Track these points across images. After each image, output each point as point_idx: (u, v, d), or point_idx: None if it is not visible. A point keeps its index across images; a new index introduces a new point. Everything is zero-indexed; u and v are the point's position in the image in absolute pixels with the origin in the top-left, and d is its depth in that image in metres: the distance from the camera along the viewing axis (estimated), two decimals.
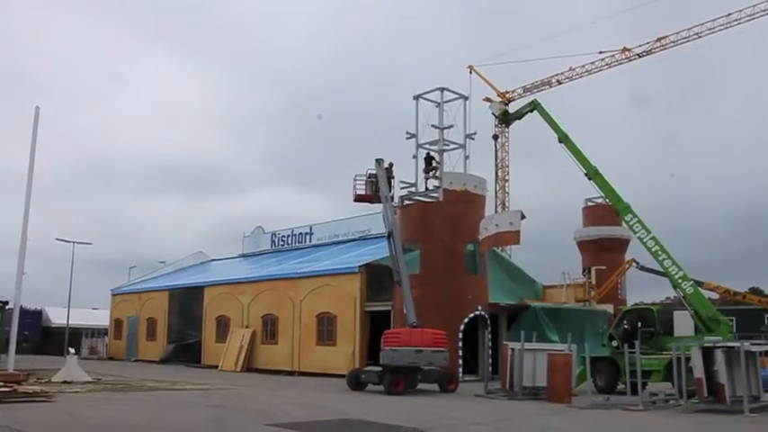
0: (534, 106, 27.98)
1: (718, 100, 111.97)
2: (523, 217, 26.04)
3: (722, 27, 49.71)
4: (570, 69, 56.42)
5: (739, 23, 48.99)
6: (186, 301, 42.72)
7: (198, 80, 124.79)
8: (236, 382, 26.56)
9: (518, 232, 26.62)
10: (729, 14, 49.33)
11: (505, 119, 29.80)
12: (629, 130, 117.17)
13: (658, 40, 52.46)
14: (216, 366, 36.77)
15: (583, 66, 55.90)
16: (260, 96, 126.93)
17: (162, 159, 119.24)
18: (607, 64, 55.01)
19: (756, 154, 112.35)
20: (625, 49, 53.92)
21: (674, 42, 52.03)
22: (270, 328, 36.01)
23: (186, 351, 41.37)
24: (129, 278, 54.45)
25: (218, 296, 40.02)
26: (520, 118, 29.58)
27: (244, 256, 48.07)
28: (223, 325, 39.04)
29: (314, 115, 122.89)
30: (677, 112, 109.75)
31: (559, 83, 57.48)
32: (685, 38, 51.23)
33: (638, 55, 53.73)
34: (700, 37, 50.66)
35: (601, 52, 54.84)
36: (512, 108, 34.91)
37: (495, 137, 29.05)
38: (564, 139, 26.16)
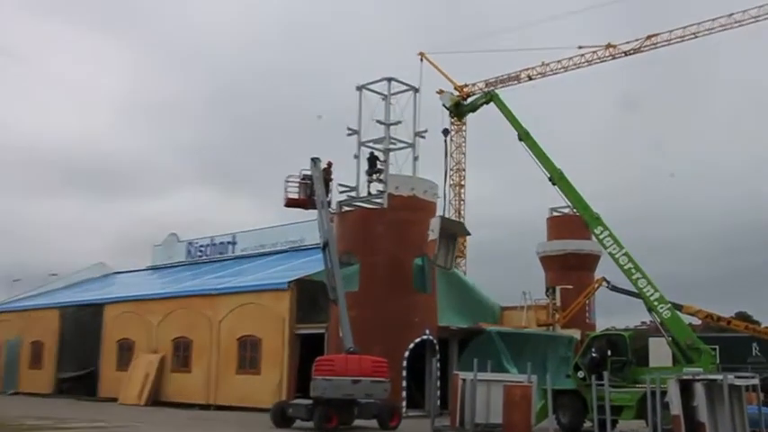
0: (491, 97, 28.05)
1: (709, 109, 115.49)
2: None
3: (722, 28, 50.67)
4: (543, 64, 57.14)
5: (741, 25, 49.98)
6: (82, 321, 41.58)
7: (100, 60, 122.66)
8: (138, 418, 25.95)
9: (434, 242, 26.97)
10: (731, 14, 50.33)
11: (458, 111, 29.79)
12: (608, 134, 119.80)
13: (649, 37, 53.39)
14: (115, 399, 35.99)
15: (558, 61, 56.62)
16: (175, 81, 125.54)
17: (55, 153, 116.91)
18: (587, 61, 55.80)
19: (746, 165, 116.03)
20: (610, 46, 54.78)
21: (667, 41, 52.98)
22: (182, 354, 35.44)
23: (80, 381, 40.22)
24: (11, 293, 52.86)
25: (120, 315, 39.23)
26: (474, 110, 29.63)
27: (153, 268, 47.39)
28: (126, 350, 38.26)
29: (238, 105, 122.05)
30: (664, 118, 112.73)
31: (530, 78, 58.17)
32: (680, 37, 52.18)
33: (624, 53, 54.62)
34: (696, 37, 51.71)
35: (580, 47, 55.63)
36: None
37: (446, 132, 28.98)
38: (524, 137, 26.26)
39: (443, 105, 28.91)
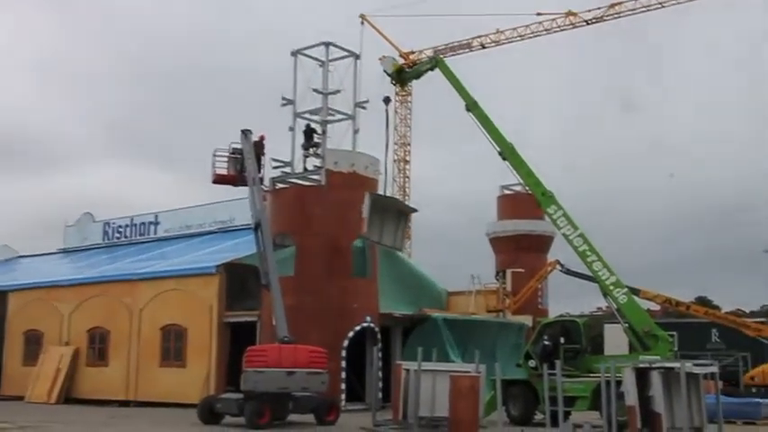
0: (436, 63, 28.26)
1: (672, 83, 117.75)
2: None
3: None
4: (498, 32, 57.37)
5: None
6: None
7: (6, 23, 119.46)
8: (48, 417, 25.65)
9: (363, 220, 27.29)
10: None
11: (401, 78, 29.89)
12: (565, 108, 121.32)
13: (612, 6, 53.94)
14: (22, 397, 35.46)
15: (515, 29, 56.88)
16: (89, 45, 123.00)
17: None
18: (546, 29, 56.19)
19: (711, 144, 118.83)
20: (570, 14, 55.26)
21: (631, 10, 53.56)
22: (98, 346, 35.14)
23: None
24: None
25: (27, 304, 38.74)
26: (418, 77, 29.89)
27: (65, 251, 46.74)
28: (34, 342, 37.81)
29: (163, 73, 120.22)
30: (625, 92, 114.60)
31: (483, 47, 58.39)
32: (645, 6, 52.86)
33: (585, 21, 55.16)
34: (663, 7, 52.47)
35: (539, 14, 56.05)
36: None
37: (387, 100, 29.09)
38: (472, 107, 26.53)
39: (385, 71, 29.01)
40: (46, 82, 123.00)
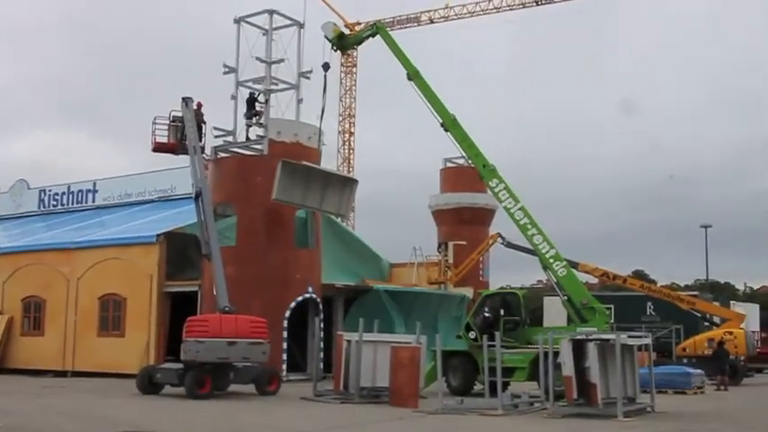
0: (377, 30, 28.32)
1: (619, 58, 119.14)
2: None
3: None
4: (447, 7, 57.47)
5: None
6: None
7: None
8: None
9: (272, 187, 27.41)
10: None
11: (342, 44, 29.76)
12: (510, 86, 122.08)
13: None
14: None
15: (464, 5, 57.08)
16: (26, 4, 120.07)
17: None
18: (496, 7, 56.44)
19: (648, 118, 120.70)
20: None
21: None
22: (33, 315, 34.73)
23: None
24: None
25: None
26: (359, 43, 30.08)
27: None
28: None
29: (99, 35, 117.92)
30: (570, 70, 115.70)
31: (432, 21, 58.46)
32: None
33: (535, 2, 55.44)
34: None
35: None
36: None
37: (327, 66, 28.96)
38: (414, 75, 26.68)
39: (325, 37, 28.90)
40: None
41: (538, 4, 55.20)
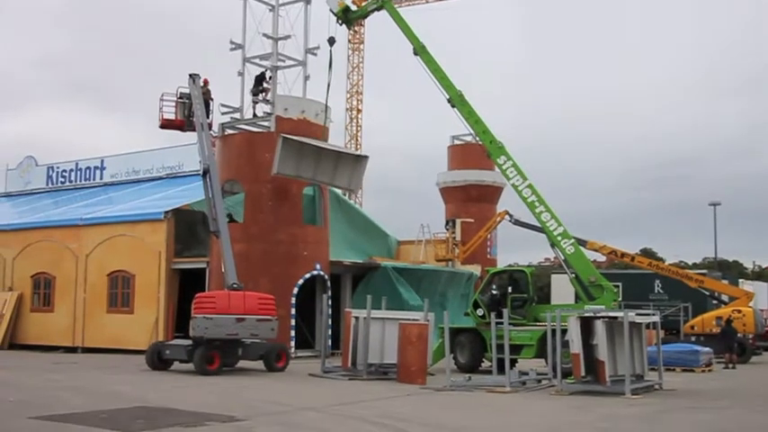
0: (383, 3, 28.17)
1: (636, 39, 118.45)
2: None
3: None
4: None
5: None
6: None
7: None
8: None
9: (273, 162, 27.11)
10: None
11: (347, 18, 29.63)
12: (515, 63, 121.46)
13: None
14: None
15: None
16: None
17: None
18: None
19: (663, 99, 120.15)
20: None
21: None
22: (43, 292, 34.91)
23: None
24: None
25: None
26: (364, 17, 30.16)
27: (8, 195, 45.99)
28: None
29: (107, 12, 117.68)
30: (581, 48, 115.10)
31: None
32: None
33: None
34: None
35: None
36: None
37: (332, 41, 28.84)
38: (420, 50, 26.57)
39: (330, 11, 28.82)
40: None
41: None
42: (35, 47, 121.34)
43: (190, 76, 27.19)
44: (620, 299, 28.61)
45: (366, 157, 31.86)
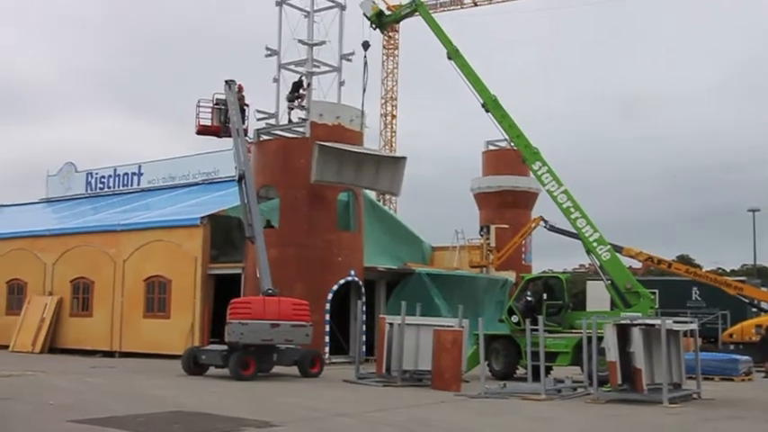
0: (416, 6, 28.12)
1: (671, 46, 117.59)
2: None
3: None
4: None
5: None
6: None
7: None
8: (33, 366, 25.70)
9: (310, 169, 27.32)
10: None
11: (380, 22, 29.60)
12: (556, 73, 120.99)
13: None
14: (6, 347, 35.53)
15: None
16: None
17: None
18: None
19: (701, 104, 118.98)
20: None
21: None
22: (82, 296, 35.18)
23: None
24: None
25: (9, 253, 38.58)
26: (397, 21, 30.13)
27: (48, 201, 46.49)
28: (17, 291, 37.82)
29: (145, 20, 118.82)
30: (616, 54, 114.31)
31: (476, 4, 57.73)
32: None
33: None
34: None
35: None
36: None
37: (367, 45, 28.87)
38: (454, 54, 26.44)
39: (364, 15, 28.83)
40: (29, 30, 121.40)
41: None
42: (74, 55, 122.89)
43: (226, 82, 27.31)
44: (656, 306, 28.30)
45: (404, 158, 31.74)
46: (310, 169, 28.64)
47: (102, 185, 43.96)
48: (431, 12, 29.66)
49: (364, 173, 29.64)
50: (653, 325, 18.48)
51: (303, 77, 30.12)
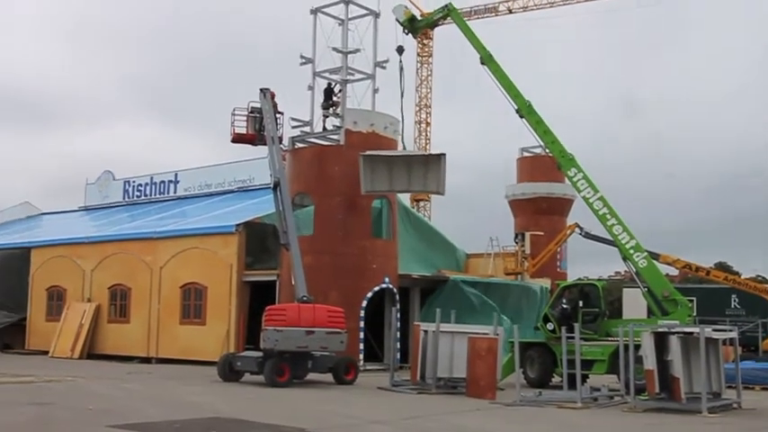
0: (449, 11, 28.05)
1: (701, 52, 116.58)
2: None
3: None
4: None
5: None
6: (6, 266, 41.13)
7: None
8: (72, 371, 25.90)
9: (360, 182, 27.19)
10: None
11: (413, 27, 29.55)
12: (592, 82, 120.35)
13: None
14: (46, 352, 35.84)
15: None
16: (115, 8, 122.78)
17: None
18: None
19: (733, 112, 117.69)
20: None
21: None
22: (119, 303, 35.41)
23: (6, 332, 39.95)
24: None
25: (50, 260, 38.89)
26: (430, 26, 30.02)
27: (87, 209, 46.88)
28: (57, 298, 38.06)
29: (180, 31, 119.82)
30: (654, 62, 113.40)
31: (510, 12, 57.55)
32: None
33: None
34: None
35: None
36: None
37: (401, 50, 28.91)
38: (487, 60, 26.33)
39: (397, 20, 28.87)
40: (69, 42, 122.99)
41: None
42: (112, 66, 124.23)
43: (261, 90, 27.42)
44: (694, 314, 27.95)
45: (444, 154, 31.39)
46: (351, 177, 28.61)
47: (139, 193, 44.31)
48: (465, 19, 29.54)
49: (413, 175, 29.43)
50: (691, 333, 18.22)
51: (332, 84, 30.12)
